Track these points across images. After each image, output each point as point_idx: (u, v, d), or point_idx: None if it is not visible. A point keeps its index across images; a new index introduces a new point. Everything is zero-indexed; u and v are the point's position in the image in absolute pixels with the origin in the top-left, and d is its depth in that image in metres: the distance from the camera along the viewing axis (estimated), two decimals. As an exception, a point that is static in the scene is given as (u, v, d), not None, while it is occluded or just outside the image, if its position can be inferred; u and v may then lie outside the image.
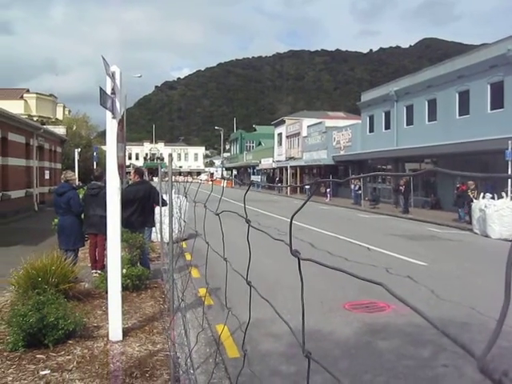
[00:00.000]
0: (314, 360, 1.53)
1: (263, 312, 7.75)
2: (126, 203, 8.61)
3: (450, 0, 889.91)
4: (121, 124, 6.30)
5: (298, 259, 1.60)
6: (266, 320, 7.35)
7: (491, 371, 0.69)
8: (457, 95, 29.09)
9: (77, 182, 27.75)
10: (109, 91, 6.04)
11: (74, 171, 32.50)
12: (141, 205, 10.26)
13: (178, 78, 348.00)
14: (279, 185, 59.24)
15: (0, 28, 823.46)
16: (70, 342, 6.13)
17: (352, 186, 36.19)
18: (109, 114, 6.13)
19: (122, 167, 6.49)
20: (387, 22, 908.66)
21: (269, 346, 6.49)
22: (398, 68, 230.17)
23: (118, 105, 6.19)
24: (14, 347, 5.80)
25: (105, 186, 7.62)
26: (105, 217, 6.49)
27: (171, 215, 5.57)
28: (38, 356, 5.71)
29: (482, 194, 19.51)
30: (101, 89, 5.57)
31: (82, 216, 10.30)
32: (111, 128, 6.18)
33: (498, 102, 25.65)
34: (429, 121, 32.00)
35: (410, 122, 34.31)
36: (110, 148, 6.18)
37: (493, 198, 18.69)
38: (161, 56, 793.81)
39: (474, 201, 20.05)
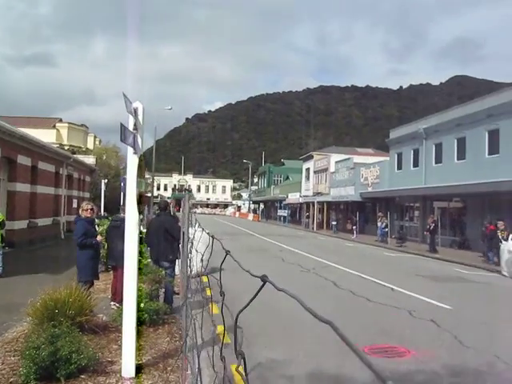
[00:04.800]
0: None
1: (279, 352, 7.63)
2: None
3: (478, 40, 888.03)
4: (142, 160, 6.33)
5: (264, 282, 1.73)
6: (282, 361, 7.23)
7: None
8: (486, 134, 28.77)
9: (102, 212, 28.04)
10: (131, 127, 6.09)
11: (100, 201, 33.02)
12: (155, 238, 10.26)
13: (209, 111, 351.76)
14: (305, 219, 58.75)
15: (43, 60, 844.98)
16: (83, 376, 6.07)
17: (379, 224, 35.80)
18: (130, 150, 6.18)
19: (144, 201, 6.50)
20: (418, 59, 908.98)
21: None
22: (428, 105, 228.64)
23: (139, 140, 6.23)
24: (26, 380, 5.76)
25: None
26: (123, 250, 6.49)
27: (187, 251, 5.53)
28: (48, 390, 5.67)
29: (511, 236, 19.09)
30: (122, 125, 5.62)
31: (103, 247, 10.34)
32: (132, 163, 6.21)
33: (528, 141, 25.30)
34: (458, 159, 31.67)
35: (438, 160, 34.00)
36: (130, 183, 6.21)
37: (522, 239, 18.29)
38: (194, 89, 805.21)
39: (503, 242, 19.62)
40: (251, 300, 1.88)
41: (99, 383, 5.97)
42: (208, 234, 4.81)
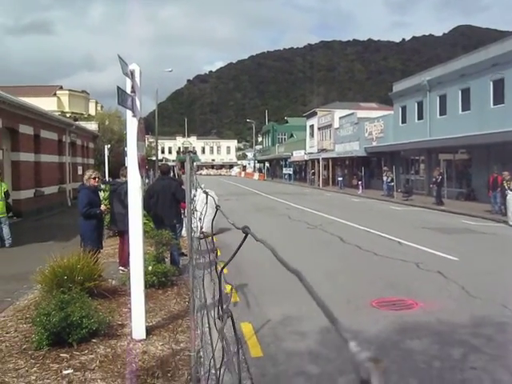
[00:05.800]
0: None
1: (293, 309, 7.68)
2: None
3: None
4: (141, 123, 6.26)
5: (246, 234, 1.81)
6: (295, 318, 7.29)
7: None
8: (491, 84, 28.35)
9: (106, 178, 28.04)
10: (128, 90, 6.01)
11: (104, 167, 33.02)
12: (158, 200, 10.29)
13: (210, 72, 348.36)
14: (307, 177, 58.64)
15: (41, 28, 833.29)
16: (94, 340, 6.15)
17: (384, 178, 35.71)
18: (129, 113, 6.11)
19: (143, 165, 6.47)
20: (420, 10, 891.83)
21: (294, 344, 6.40)
22: (432, 57, 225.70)
23: (138, 103, 6.16)
24: (39, 346, 5.84)
25: (122, 183, 7.54)
26: (121, 213, 6.47)
27: (190, 212, 5.51)
28: (61, 355, 5.74)
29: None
30: (118, 88, 5.53)
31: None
32: (131, 126, 6.15)
33: (534, 90, 24.93)
34: (462, 110, 31.30)
35: (443, 112, 33.63)
36: (131, 146, 6.16)
37: (529, 189, 18.21)
38: (194, 50, 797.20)
39: (510, 192, 19.55)
40: (234, 254, 1.97)
41: (111, 346, 6.05)
42: (206, 193, 4.79)
